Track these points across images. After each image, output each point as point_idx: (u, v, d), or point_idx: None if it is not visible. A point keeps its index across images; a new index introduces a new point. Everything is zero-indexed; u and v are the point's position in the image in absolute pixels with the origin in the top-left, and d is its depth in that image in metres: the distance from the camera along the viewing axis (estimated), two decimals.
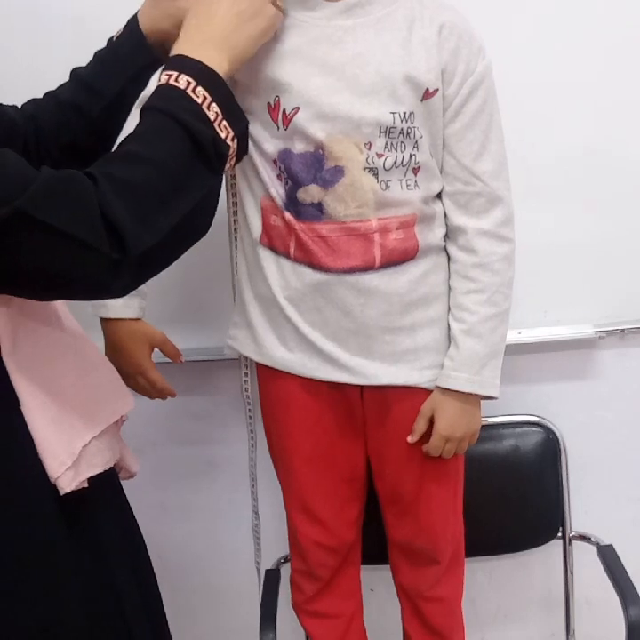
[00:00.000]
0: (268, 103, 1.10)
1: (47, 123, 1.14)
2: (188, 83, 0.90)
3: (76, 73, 1.17)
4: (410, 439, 1.21)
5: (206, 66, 0.93)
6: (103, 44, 1.16)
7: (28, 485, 0.94)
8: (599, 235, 1.49)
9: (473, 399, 1.19)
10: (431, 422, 1.20)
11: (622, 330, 1.54)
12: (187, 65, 0.92)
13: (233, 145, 0.93)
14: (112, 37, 1.16)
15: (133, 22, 1.13)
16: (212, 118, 0.90)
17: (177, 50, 0.95)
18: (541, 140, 1.41)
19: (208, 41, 0.96)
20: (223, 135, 0.91)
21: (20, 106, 1.17)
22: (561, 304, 1.53)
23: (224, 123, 0.91)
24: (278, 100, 1.09)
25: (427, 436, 1.21)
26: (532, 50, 1.39)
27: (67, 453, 0.95)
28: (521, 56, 1.33)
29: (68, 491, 0.94)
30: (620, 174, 1.47)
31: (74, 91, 1.14)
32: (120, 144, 0.92)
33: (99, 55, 1.16)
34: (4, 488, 0.93)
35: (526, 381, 1.56)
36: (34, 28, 1.41)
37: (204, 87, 0.91)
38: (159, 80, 0.93)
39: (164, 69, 0.93)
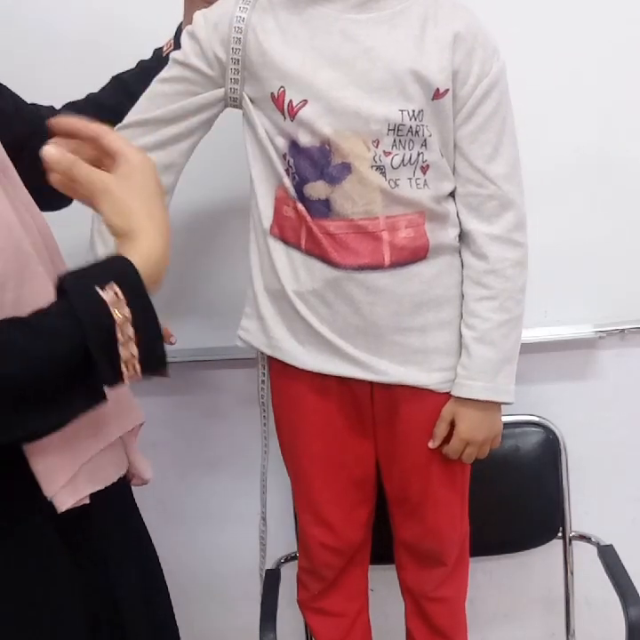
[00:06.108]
0: (272, 94, 1.08)
1: None
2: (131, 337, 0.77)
3: (119, 79, 1.21)
4: (430, 444, 1.20)
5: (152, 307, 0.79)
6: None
7: (25, 501, 0.93)
8: (599, 235, 1.49)
9: (492, 404, 1.18)
10: (451, 425, 1.19)
11: (622, 330, 1.54)
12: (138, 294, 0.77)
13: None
14: (159, 48, 1.20)
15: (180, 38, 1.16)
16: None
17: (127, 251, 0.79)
18: (542, 140, 1.41)
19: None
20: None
21: (58, 108, 1.19)
22: (561, 304, 1.53)
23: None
24: (283, 90, 1.07)
25: (446, 438, 1.20)
26: (534, 50, 1.39)
27: (61, 472, 0.92)
28: (523, 57, 1.32)
29: (65, 509, 0.92)
30: (620, 175, 1.47)
31: (117, 97, 1.18)
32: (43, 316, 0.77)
33: (145, 66, 1.20)
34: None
35: (526, 381, 1.55)
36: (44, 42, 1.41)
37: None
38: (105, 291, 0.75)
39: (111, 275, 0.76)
